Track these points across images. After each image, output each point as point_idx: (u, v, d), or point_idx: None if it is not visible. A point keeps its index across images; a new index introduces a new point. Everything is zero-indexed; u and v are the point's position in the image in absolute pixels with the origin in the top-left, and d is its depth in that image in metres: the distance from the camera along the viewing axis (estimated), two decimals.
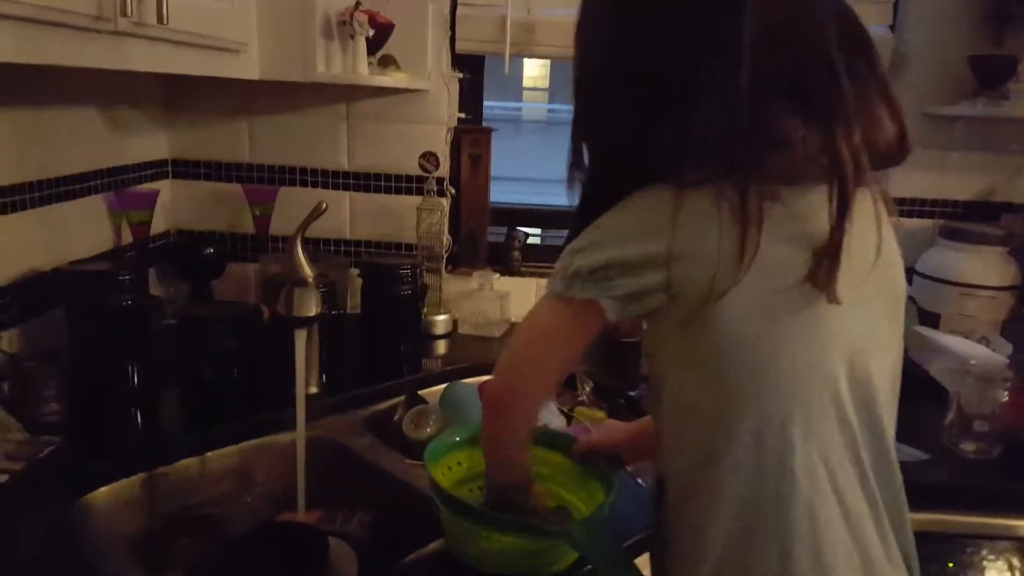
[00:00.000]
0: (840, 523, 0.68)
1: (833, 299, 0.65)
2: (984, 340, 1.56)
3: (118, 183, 1.54)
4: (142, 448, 1.15)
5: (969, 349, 1.46)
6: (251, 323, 1.33)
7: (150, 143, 1.69)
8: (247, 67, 1.32)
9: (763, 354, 0.66)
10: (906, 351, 0.77)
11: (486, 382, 0.83)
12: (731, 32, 0.65)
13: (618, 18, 0.73)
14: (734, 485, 0.67)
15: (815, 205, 0.66)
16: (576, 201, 0.79)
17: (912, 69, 1.73)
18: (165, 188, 1.74)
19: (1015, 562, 1.20)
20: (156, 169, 1.72)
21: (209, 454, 1.17)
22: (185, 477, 1.14)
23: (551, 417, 1.32)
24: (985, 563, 1.21)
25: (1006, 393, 1.24)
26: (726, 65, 0.65)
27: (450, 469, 0.99)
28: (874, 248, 0.70)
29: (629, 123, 0.72)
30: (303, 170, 1.79)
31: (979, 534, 1.21)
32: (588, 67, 0.77)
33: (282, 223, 1.75)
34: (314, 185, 1.80)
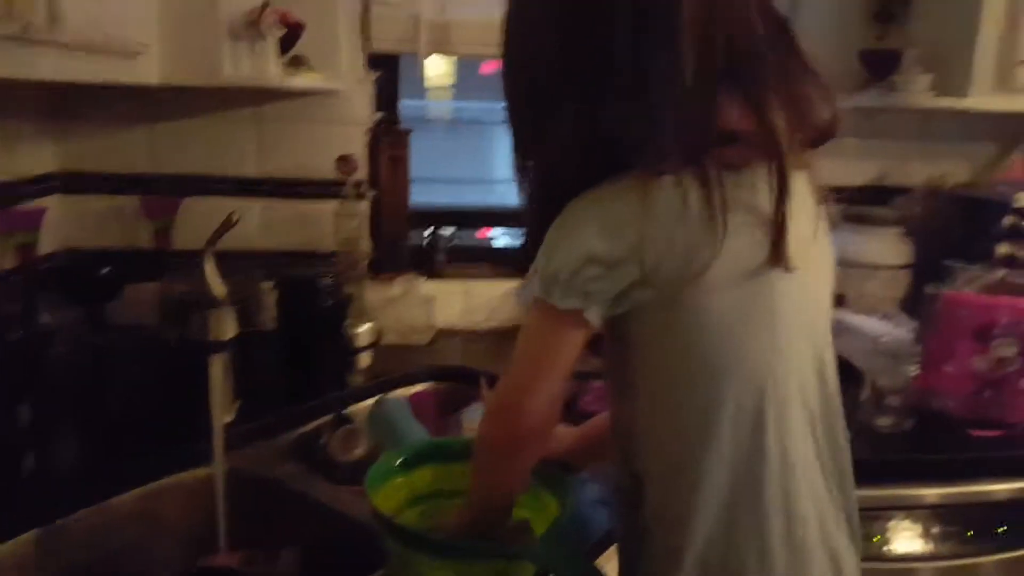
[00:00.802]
0: (807, 500, 0.72)
1: (789, 270, 0.68)
2: (886, 317, 1.64)
3: None
4: (36, 499, 1.03)
5: (877, 327, 1.54)
6: (157, 349, 1.23)
7: (34, 156, 1.55)
8: (147, 71, 1.22)
9: (739, 335, 0.69)
10: None
11: (489, 394, 0.79)
12: (671, 21, 0.65)
13: (555, 18, 0.71)
14: (717, 470, 0.70)
15: (757, 188, 0.68)
16: (526, 200, 0.77)
17: None
18: (54, 204, 1.59)
19: (933, 529, 1.26)
20: (42, 184, 1.57)
21: (114, 499, 1.06)
22: (88, 527, 1.02)
23: None
24: (907, 531, 1.25)
25: (914, 368, 1.30)
26: (670, 56, 0.65)
27: (394, 494, 0.93)
28: (812, 227, 0.74)
29: (581, 122, 0.70)
30: (208, 179, 1.68)
31: (898, 505, 1.26)
32: (528, 68, 0.75)
33: (186, 237, 1.64)
34: (221, 194, 1.69)
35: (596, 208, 0.68)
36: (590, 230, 0.67)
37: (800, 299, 0.72)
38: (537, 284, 0.70)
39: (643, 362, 0.73)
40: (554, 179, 0.73)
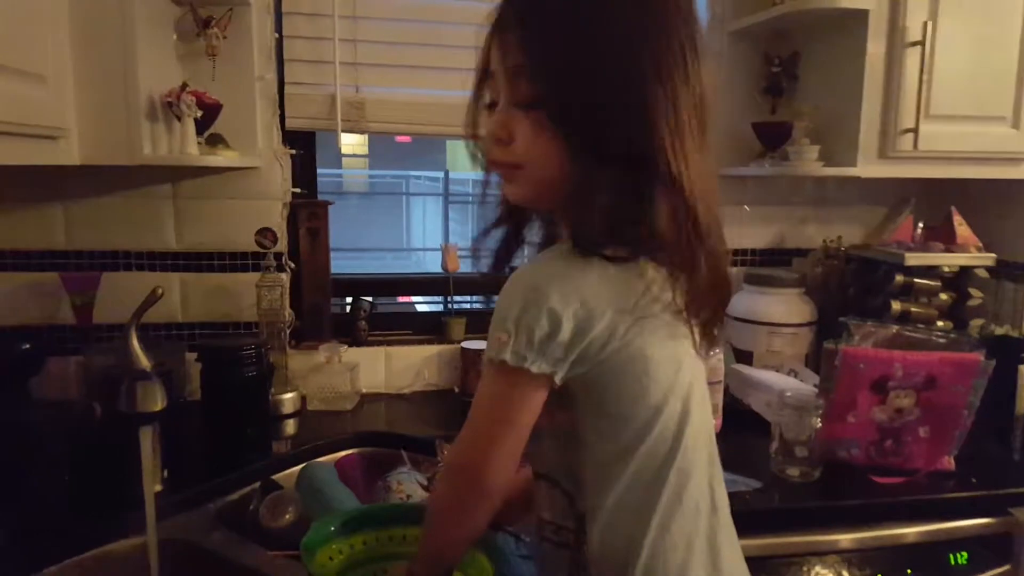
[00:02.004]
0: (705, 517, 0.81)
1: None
2: (793, 372, 1.73)
3: None
4: None
5: (783, 382, 1.60)
6: (83, 424, 1.23)
7: None
8: (66, 153, 1.24)
9: (665, 369, 0.77)
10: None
11: (446, 456, 0.82)
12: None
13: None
14: (662, 493, 0.77)
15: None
16: (485, 268, 0.85)
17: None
18: None
19: (843, 572, 1.32)
20: None
21: (47, 569, 1.06)
22: None
23: (415, 489, 1.32)
24: None
25: (818, 420, 1.39)
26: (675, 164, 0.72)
27: (331, 559, 0.95)
28: None
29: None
30: (127, 253, 1.70)
31: (811, 551, 1.31)
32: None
33: (107, 311, 1.65)
34: (140, 268, 1.71)
35: (563, 279, 0.73)
36: (557, 298, 0.72)
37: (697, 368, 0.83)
38: (508, 351, 0.73)
39: (584, 415, 0.78)
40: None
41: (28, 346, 1.52)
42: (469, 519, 0.80)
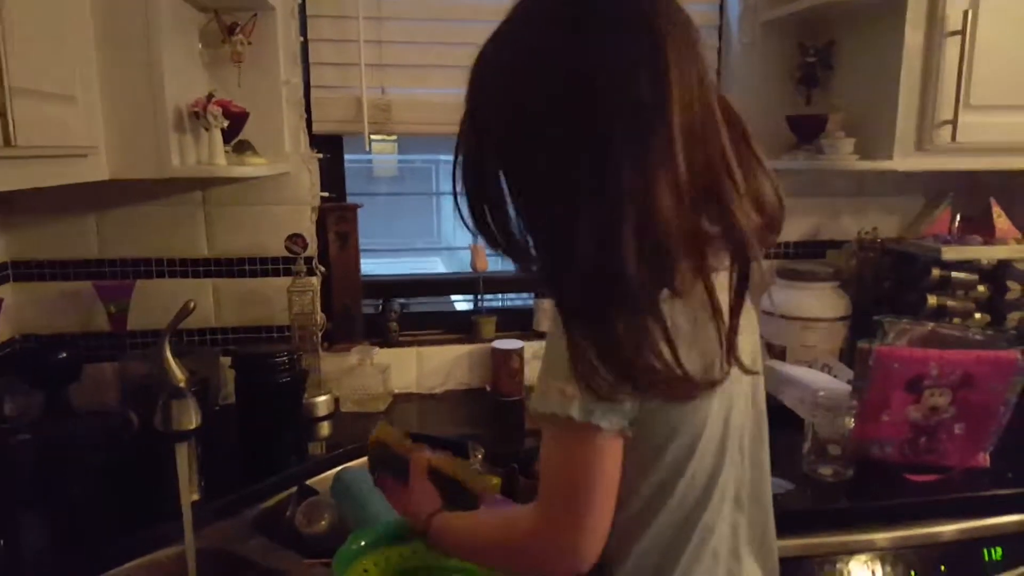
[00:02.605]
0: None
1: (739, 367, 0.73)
2: (826, 367, 1.70)
3: None
4: None
5: (817, 379, 1.58)
6: (121, 435, 1.26)
7: None
8: (96, 170, 1.26)
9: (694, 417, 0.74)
10: None
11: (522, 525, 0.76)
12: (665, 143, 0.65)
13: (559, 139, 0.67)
14: (686, 547, 0.77)
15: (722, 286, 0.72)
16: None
17: None
18: (7, 292, 1.63)
19: (877, 570, 1.31)
20: None
21: None
22: None
23: None
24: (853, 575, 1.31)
25: (852, 420, 1.37)
26: (671, 175, 0.65)
27: (366, 572, 0.97)
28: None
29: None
30: (159, 261, 1.72)
31: (845, 551, 1.31)
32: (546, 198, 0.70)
33: (141, 317, 1.68)
34: (172, 275, 1.73)
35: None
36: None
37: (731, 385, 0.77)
38: (576, 409, 0.67)
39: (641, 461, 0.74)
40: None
41: (65, 354, 1.55)
42: None
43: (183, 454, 1.06)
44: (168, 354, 1.09)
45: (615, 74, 0.64)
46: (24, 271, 1.67)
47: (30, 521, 1.21)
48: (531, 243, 0.71)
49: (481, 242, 0.79)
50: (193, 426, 1.05)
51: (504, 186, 0.72)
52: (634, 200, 0.63)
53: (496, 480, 1.38)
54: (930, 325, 1.49)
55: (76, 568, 1.10)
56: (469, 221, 0.75)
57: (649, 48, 0.65)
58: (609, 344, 0.64)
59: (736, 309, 0.71)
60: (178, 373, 1.09)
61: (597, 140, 0.64)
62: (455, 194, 0.75)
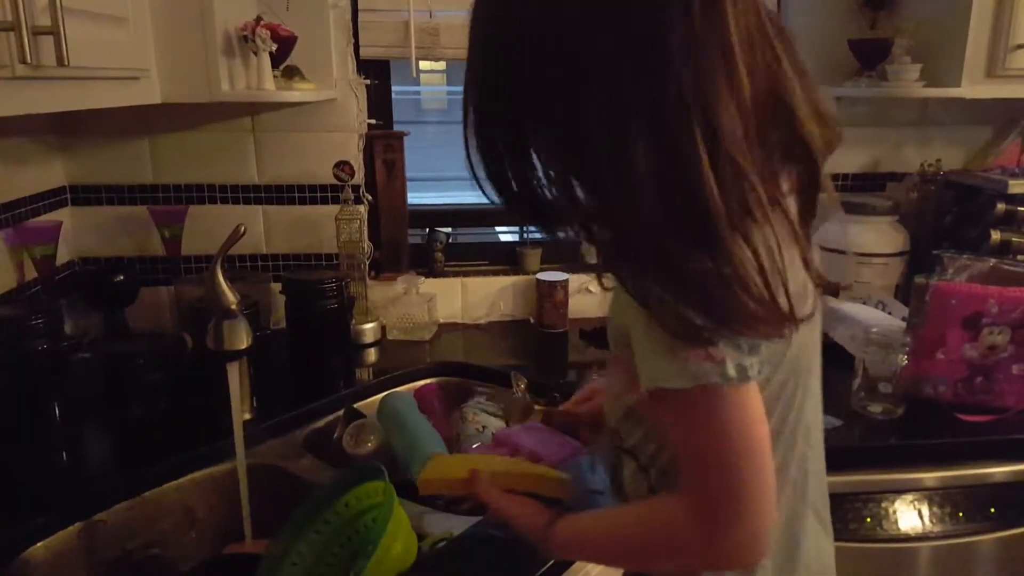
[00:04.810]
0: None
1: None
2: (881, 304, 1.66)
3: (15, 217, 1.47)
4: (75, 497, 1.11)
5: (869, 316, 1.55)
6: (176, 354, 1.30)
7: (44, 172, 1.62)
8: (149, 93, 1.27)
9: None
10: None
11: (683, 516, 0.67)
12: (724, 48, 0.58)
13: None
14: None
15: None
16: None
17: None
18: (65, 216, 1.67)
19: (924, 510, 1.30)
20: (54, 198, 1.64)
21: (147, 494, 1.14)
22: (124, 521, 1.11)
23: (488, 420, 1.35)
24: (898, 515, 1.30)
25: (905, 357, 1.34)
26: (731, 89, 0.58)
27: (295, 565, 1.00)
28: None
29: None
30: (211, 187, 1.74)
31: (890, 489, 1.30)
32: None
33: (194, 242, 1.71)
34: (224, 202, 1.75)
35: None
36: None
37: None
38: (732, 367, 0.60)
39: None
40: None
41: (122, 277, 1.60)
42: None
43: (234, 373, 1.08)
44: (220, 277, 1.10)
45: None
46: (82, 195, 1.71)
47: (91, 436, 1.26)
48: (574, 194, 0.63)
49: None
50: (244, 346, 1.08)
51: (528, 138, 0.65)
52: (696, 109, 0.56)
53: (540, 408, 1.40)
54: (992, 261, 1.44)
55: (135, 481, 1.15)
56: (490, 188, 0.68)
57: None
58: (694, 284, 0.57)
59: (806, 234, 0.67)
60: (230, 296, 1.11)
61: (646, 42, 0.57)
62: (470, 163, 0.68)
